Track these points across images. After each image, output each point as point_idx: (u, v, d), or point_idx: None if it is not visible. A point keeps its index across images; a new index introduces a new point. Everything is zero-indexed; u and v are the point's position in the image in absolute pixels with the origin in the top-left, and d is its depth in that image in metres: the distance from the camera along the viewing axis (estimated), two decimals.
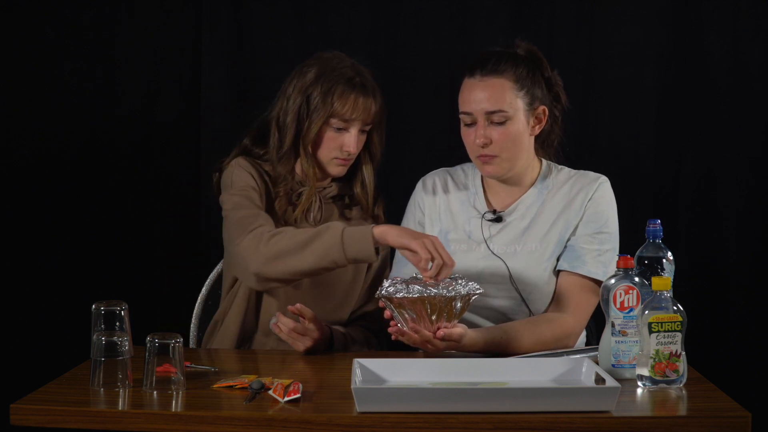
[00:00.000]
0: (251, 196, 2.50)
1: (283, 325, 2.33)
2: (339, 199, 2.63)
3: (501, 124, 2.41)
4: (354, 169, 2.61)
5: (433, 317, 2.20)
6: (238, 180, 2.52)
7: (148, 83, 3.38)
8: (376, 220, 2.62)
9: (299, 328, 2.33)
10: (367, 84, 2.52)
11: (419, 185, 2.61)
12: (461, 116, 2.45)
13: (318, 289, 2.55)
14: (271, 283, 2.41)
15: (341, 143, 2.51)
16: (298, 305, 2.33)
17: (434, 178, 2.60)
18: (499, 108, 2.40)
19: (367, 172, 2.60)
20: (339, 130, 2.51)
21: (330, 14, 3.37)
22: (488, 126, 2.41)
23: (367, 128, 2.54)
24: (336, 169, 2.56)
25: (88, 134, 3.37)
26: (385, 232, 2.32)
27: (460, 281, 2.22)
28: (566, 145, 2.56)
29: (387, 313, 2.25)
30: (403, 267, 2.51)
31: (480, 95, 2.41)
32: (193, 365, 2.19)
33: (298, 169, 2.57)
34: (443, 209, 2.55)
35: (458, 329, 2.21)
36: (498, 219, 2.49)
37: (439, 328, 2.20)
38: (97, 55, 3.35)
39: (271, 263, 2.36)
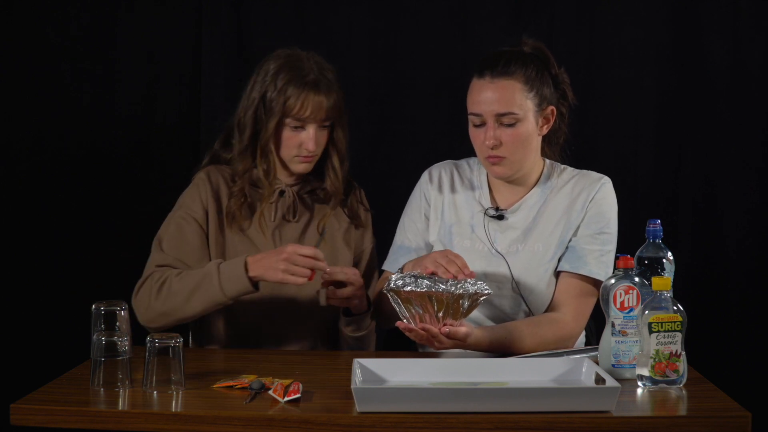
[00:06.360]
0: (183, 227, 2.51)
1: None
2: (314, 195, 2.61)
3: (511, 125, 2.39)
4: (325, 165, 2.58)
5: (440, 314, 2.19)
6: (185, 201, 2.55)
7: (148, 84, 3.37)
8: (356, 219, 2.62)
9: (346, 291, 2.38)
10: (320, 81, 2.48)
11: (425, 176, 2.59)
12: (470, 117, 2.43)
13: (278, 302, 2.53)
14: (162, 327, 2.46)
15: (300, 141, 2.50)
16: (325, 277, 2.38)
17: (440, 170, 2.58)
18: (509, 110, 2.38)
19: (336, 166, 2.56)
20: (296, 128, 2.50)
21: (330, 14, 3.36)
22: (498, 127, 2.39)
23: (327, 124, 2.52)
24: (299, 167, 2.54)
25: (88, 134, 3.36)
26: (256, 260, 2.35)
27: (469, 280, 2.21)
28: (569, 144, 2.56)
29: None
30: (394, 263, 2.52)
31: (490, 97, 2.38)
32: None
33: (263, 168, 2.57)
34: (447, 203, 2.54)
35: (464, 328, 2.20)
36: (500, 217, 2.49)
37: (444, 325, 2.20)
38: (97, 55, 3.35)
39: (160, 319, 2.43)
